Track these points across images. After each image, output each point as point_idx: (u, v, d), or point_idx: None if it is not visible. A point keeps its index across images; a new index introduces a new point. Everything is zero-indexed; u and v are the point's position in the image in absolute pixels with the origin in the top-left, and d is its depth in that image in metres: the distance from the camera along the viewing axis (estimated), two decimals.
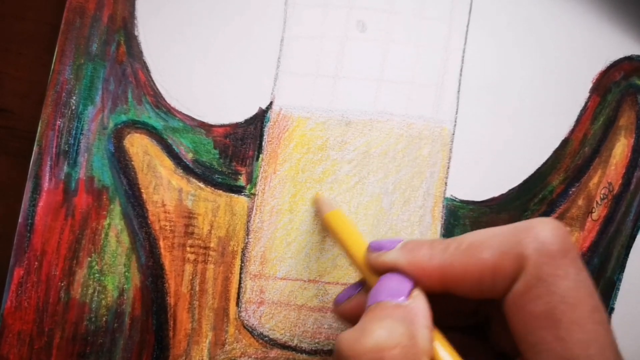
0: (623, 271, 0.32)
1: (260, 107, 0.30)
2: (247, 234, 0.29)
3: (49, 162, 0.28)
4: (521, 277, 0.19)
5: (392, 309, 0.20)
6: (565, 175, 0.30)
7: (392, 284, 0.21)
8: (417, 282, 0.21)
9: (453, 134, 0.30)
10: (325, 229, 0.29)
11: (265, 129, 0.30)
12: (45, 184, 0.28)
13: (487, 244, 0.20)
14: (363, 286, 0.24)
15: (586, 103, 0.31)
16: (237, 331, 0.29)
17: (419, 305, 0.20)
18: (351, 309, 0.24)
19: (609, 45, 0.31)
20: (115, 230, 0.28)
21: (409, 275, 0.21)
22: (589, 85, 0.31)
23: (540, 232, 0.19)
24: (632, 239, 0.32)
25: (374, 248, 0.23)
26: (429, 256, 0.21)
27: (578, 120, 0.31)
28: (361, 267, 0.23)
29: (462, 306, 0.23)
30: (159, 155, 0.29)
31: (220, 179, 0.29)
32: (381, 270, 0.22)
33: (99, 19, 0.29)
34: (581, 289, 0.18)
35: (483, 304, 0.23)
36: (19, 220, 0.28)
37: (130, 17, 0.29)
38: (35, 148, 0.28)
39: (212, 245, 0.29)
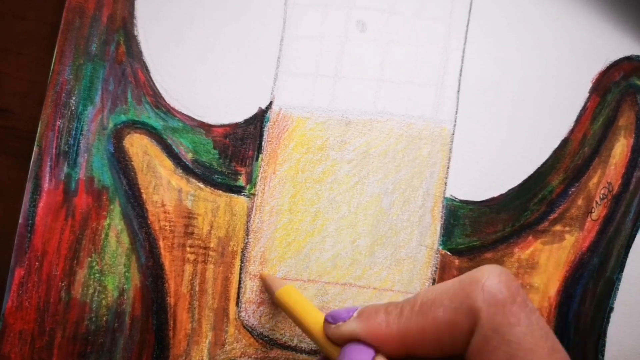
0: (622, 271, 0.32)
1: (260, 107, 0.30)
2: (247, 234, 0.29)
3: (49, 163, 0.28)
4: (476, 331, 0.19)
5: None
6: (565, 175, 0.30)
7: (354, 355, 0.21)
8: (378, 349, 0.21)
9: (453, 134, 0.30)
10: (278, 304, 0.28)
11: (265, 129, 0.30)
12: (46, 185, 0.28)
13: (439, 301, 0.20)
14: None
15: (586, 103, 0.31)
16: (237, 331, 0.29)
17: None
18: None
19: (609, 45, 0.31)
20: (115, 230, 0.29)
21: (370, 343, 0.21)
22: (589, 85, 0.31)
23: (487, 282, 0.19)
24: (632, 238, 0.32)
25: (330, 319, 0.22)
26: (386, 322, 0.21)
27: (578, 120, 0.30)
28: (320, 341, 0.23)
29: None
30: (158, 155, 0.29)
31: (220, 179, 0.29)
32: (341, 342, 0.22)
33: (98, 19, 0.29)
34: (535, 332, 0.19)
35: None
36: (20, 220, 0.28)
37: (130, 17, 0.29)
38: (35, 149, 0.28)
39: (212, 245, 0.29)
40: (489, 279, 0.19)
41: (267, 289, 0.29)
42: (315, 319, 0.24)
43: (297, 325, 0.25)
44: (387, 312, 0.21)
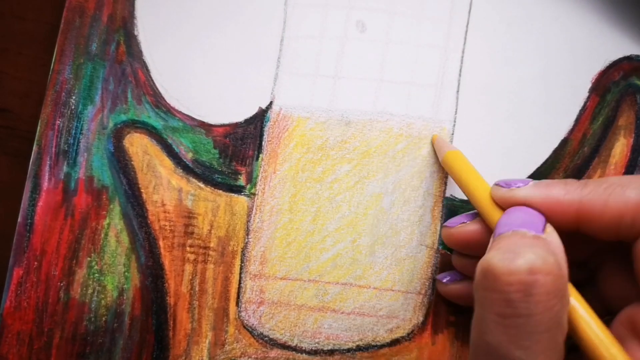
0: None
1: (260, 107, 0.30)
2: (247, 234, 0.29)
3: (48, 162, 0.28)
4: None
5: (534, 239, 0.20)
6: (565, 175, 0.30)
7: (526, 216, 0.21)
8: (550, 218, 0.21)
9: (452, 134, 0.30)
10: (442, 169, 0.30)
11: (265, 129, 0.30)
12: (45, 184, 0.28)
13: (633, 184, 0.20)
14: (477, 217, 0.24)
15: (585, 103, 0.31)
16: (237, 331, 0.29)
17: (556, 239, 0.20)
18: (463, 234, 0.24)
19: (608, 45, 0.31)
20: (114, 230, 0.28)
21: (542, 210, 0.21)
22: (588, 85, 0.31)
23: None
24: None
25: (503, 184, 0.23)
26: (565, 192, 0.21)
27: (577, 120, 0.31)
28: (484, 203, 0.23)
29: (572, 256, 0.23)
30: (158, 155, 0.29)
31: (220, 179, 0.29)
32: (509, 206, 0.22)
33: (98, 18, 0.29)
34: None
35: (595, 254, 0.24)
36: (19, 220, 0.28)
37: (130, 17, 0.29)
38: (34, 148, 0.28)
39: (212, 245, 0.29)
40: None
41: (436, 151, 0.29)
42: (481, 183, 0.24)
43: (460, 186, 0.26)
44: (566, 183, 0.21)
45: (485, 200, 0.23)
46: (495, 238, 0.21)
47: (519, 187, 0.22)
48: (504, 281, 0.18)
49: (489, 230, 0.24)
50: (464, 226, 0.25)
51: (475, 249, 0.24)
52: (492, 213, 0.23)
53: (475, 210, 0.25)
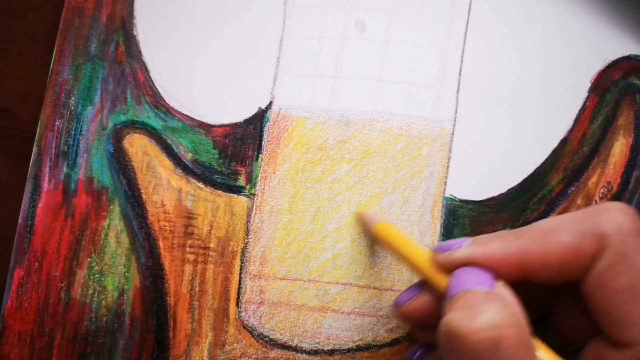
0: None
1: (259, 107, 0.30)
2: (247, 234, 0.29)
3: (48, 163, 0.28)
4: (604, 255, 0.20)
5: (487, 295, 0.20)
6: (564, 175, 0.30)
7: (473, 276, 0.21)
8: (495, 273, 0.21)
9: (452, 134, 0.30)
10: (373, 241, 0.29)
11: (265, 129, 0.30)
12: (45, 185, 0.28)
13: (563, 227, 0.20)
14: (424, 287, 0.24)
15: (585, 103, 0.31)
16: (237, 331, 0.29)
17: (508, 292, 0.20)
18: (414, 309, 0.24)
19: (608, 45, 0.31)
20: (115, 230, 0.28)
21: (486, 267, 0.21)
22: (588, 85, 0.31)
23: (615, 214, 0.20)
24: None
25: (441, 249, 0.23)
26: (503, 246, 0.21)
27: (577, 120, 0.31)
28: (425, 269, 0.23)
29: (525, 299, 0.23)
30: (158, 155, 0.29)
31: (219, 179, 0.29)
32: (453, 269, 0.22)
33: (97, 18, 0.29)
34: None
35: (546, 295, 0.24)
36: (19, 221, 0.28)
37: (129, 17, 0.29)
38: (34, 149, 0.28)
39: (211, 245, 0.29)
40: (617, 210, 0.20)
41: (363, 226, 0.29)
42: (416, 250, 0.24)
43: (397, 258, 0.26)
44: (501, 237, 0.22)
45: (429, 267, 0.23)
46: (449, 300, 0.20)
47: (457, 248, 0.22)
48: (469, 341, 0.18)
49: (439, 298, 0.23)
50: (413, 300, 0.24)
51: (432, 319, 0.24)
52: (439, 279, 0.23)
53: (419, 282, 0.25)
